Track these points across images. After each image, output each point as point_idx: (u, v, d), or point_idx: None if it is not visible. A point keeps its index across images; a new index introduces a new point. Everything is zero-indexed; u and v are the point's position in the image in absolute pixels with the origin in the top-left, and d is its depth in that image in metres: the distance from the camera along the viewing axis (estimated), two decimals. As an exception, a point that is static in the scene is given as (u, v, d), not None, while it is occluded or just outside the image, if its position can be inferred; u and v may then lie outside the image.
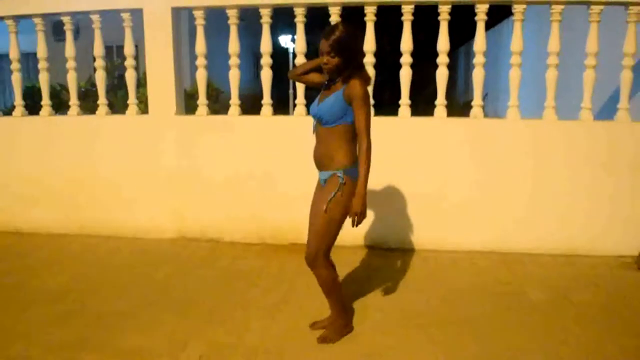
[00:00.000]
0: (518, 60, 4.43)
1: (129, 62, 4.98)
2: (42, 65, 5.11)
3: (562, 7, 4.30)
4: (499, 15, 8.64)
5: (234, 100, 4.87)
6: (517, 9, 4.34)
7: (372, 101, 4.56)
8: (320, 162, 2.92)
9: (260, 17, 4.67)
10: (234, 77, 4.81)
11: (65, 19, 4.97)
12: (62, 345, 3.02)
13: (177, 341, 3.05)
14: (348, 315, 3.18)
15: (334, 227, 2.89)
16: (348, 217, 2.86)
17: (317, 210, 2.90)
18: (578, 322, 3.28)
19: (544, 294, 3.72)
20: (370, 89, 4.45)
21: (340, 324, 3.10)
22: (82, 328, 3.22)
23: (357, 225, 2.83)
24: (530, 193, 4.47)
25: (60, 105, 5.22)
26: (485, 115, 4.66)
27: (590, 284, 3.91)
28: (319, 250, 2.91)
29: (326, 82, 2.94)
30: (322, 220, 2.87)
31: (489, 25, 4.76)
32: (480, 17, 4.41)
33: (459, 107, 11.19)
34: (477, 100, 4.54)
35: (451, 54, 4.64)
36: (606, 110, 5.31)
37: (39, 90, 5.28)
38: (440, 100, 4.56)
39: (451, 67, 4.65)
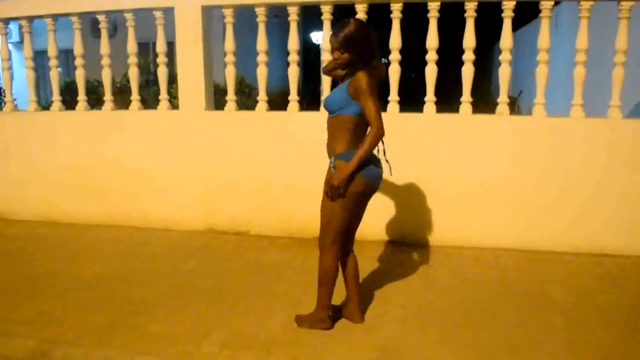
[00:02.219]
0: (545, 57, 4.39)
1: (161, 59, 5.13)
2: (78, 62, 5.30)
3: (592, 3, 4.24)
4: (533, 11, 8.52)
5: (262, 97, 4.96)
6: (545, 5, 4.31)
7: (396, 97, 4.62)
8: (327, 151, 3.04)
9: (288, 14, 4.75)
10: (262, 74, 4.90)
11: (101, 17, 5.15)
12: (93, 329, 3.18)
13: (200, 329, 3.16)
14: (327, 313, 3.13)
15: (338, 216, 2.94)
16: (324, 190, 2.94)
17: (323, 197, 3.00)
18: (601, 324, 3.25)
19: (568, 294, 3.70)
20: (395, 85, 4.57)
21: (317, 316, 3.14)
22: (112, 314, 3.38)
23: (331, 199, 2.90)
24: (557, 191, 4.43)
25: (97, 101, 5.42)
26: (519, 112, 4.63)
27: (616, 284, 3.87)
28: (324, 236, 3.00)
29: (342, 76, 3.04)
30: (323, 205, 2.98)
31: (526, 21, 4.71)
32: (507, 14, 4.39)
33: (494, 104, 11.03)
34: (502, 97, 4.52)
35: (487, 51, 4.62)
36: (637, 109, 5.20)
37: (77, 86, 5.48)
38: (466, 97, 4.56)
39: (487, 64, 4.64)
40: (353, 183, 2.88)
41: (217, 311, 3.41)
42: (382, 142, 3.00)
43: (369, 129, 2.85)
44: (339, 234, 2.99)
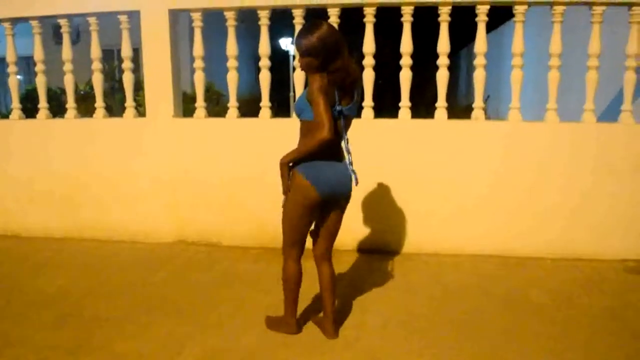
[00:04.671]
0: (519, 61, 4.38)
1: (126, 65, 4.95)
2: (39, 68, 5.07)
3: (564, 7, 4.26)
4: (500, 17, 8.62)
5: (232, 103, 4.83)
6: (518, 9, 4.30)
7: (371, 103, 4.55)
8: None
9: (258, 18, 4.64)
10: (232, 79, 4.77)
11: (63, 22, 4.93)
12: (57, 349, 2.98)
13: (172, 345, 3.01)
14: (293, 319, 3.12)
15: (289, 221, 2.96)
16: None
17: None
18: (582, 327, 3.23)
19: (548, 297, 3.68)
20: (369, 91, 4.50)
21: (283, 320, 3.14)
22: (78, 332, 3.18)
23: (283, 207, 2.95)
24: (532, 196, 4.42)
25: (60, 109, 5.22)
26: (487, 117, 4.62)
27: (595, 288, 3.86)
28: (284, 244, 3.03)
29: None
30: (282, 214, 2.98)
31: (490, 27, 4.72)
32: (481, 18, 4.37)
33: (460, 109, 11.16)
34: (478, 102, 4.50)
35: (453, 57, 4.60)
36: (609, 112, 5.25)
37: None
38: (441, 102, 4.52)
39: (453, 70, 4.62)
40: (298, 188, 2.83)
41: (189, 326, 3.25)
42: (349, 152, 2.92)
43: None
44: (294, 240, 2.99)
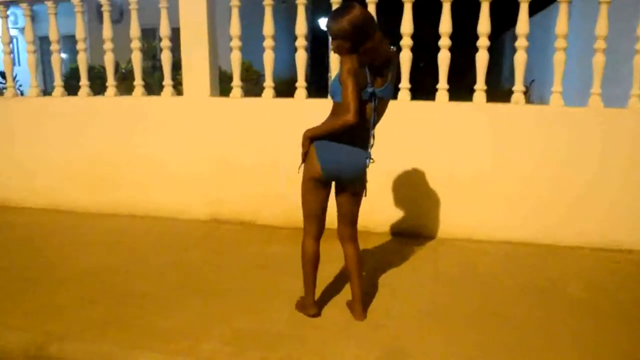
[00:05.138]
0: (563, 44, 4.20)
1: (165, 44, 4.99)
2: (80, 46, 5.16)
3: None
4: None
5: (268, 83, 4.82)
6: (564, -11, 4.12)
7: (407, 85, 4.46)
8: None
9: (297, -2, 4.59)
10: (268, 59, 4.75)
11: (103, 1, 5.00)
12: (89, 324, 3.06)
13: (201, 324, 3.05)
14: (310, 299, 3.13)
15: (302, 195, 2.99)
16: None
17: None
18: (618, 323, 3.10)
19: (583, 290, 3.55)
20: (406, 73, 4.41)
21: (304, 301, 3.17)
22: (109, 308, 3.26)
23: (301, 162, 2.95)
24: (572, 184, 4.27)
25: (103, 86, 5.34)
26: (531, 101, 4.46)
27: (634, 281, 3.72)
28: (303, 220, 3.04)
29: None
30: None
31: (537, 9, 4.54)
32: (524, -2, 4.21)
33: (504, 93, 10.86)
34: (518, 86, 4.34)
35: (497, 39, 4.45)
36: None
37: (88, 70, 5.34)
38: (480, 85, 4.39)
39: (497, 52, 4.47)
40: (308, 162, 2.89)
41: (219, 305, 3.28)
42: (373, 137, 2.90)
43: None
44: (309, 216, 3.00)
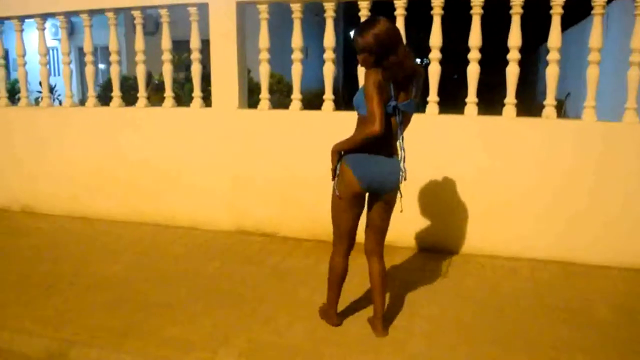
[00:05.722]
0: (597, 57, 4.09)
1: (195, 56, 5.05)
2: (113, 58, 5.27)
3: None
4: (584, 11, 8.11)
5: (296, 95, 4.82)
6: (597, 1, 4.01)
7: (435, 98, 4.40)
8: None
9: (324, 10, 4.59)
10: (296, 71, 4.76)
11: (136, 13, 5.10)
12: (109, 331, 3.09)
13: (218, 335, 3.04)
14: (333, 310, 3.15)
15: (334, 212, 2.99)
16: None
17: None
18: (646, 347, 2.96)
19: (609, 311, 3.41)
20: (434, 86, 4.36)
21: (327, 310, 3.18)
22: (129, 316, 3.29)
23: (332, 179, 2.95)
24: (600, 202, 4.12)
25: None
26: (565, 115, 4.34)
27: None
28: (333, 236, 3.04)
29: None
30: (331, 205, 3.01)
31: (572, 22, 4.43)
32: (556, 11, 4.11)
33: (538, 107, 10.65)
34: (549, 100, 4.24)
35: (532, 52, 4.36)
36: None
37: (123, 81, 5.45)
38: (510, 99, 4.30)
39: (531, 65, 4.38)
40: (342, 178, 2.86)
41: (237, 317, 3.27)
42: (403, 149, 2.90)
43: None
44: (342, 234, 3.00)
